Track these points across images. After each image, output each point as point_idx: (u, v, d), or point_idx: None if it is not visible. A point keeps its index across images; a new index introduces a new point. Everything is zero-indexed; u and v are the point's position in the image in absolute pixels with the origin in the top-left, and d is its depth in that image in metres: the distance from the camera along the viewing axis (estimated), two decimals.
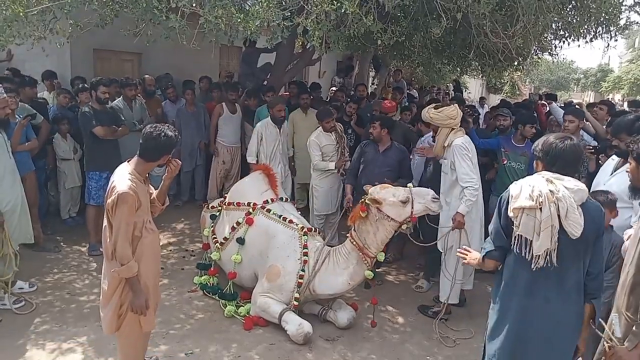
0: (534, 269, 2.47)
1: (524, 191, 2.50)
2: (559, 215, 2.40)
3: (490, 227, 2.76)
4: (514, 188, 2.57)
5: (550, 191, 2.43)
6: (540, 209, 2.42)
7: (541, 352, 2.59)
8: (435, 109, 4.51)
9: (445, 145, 4.47)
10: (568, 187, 2.45)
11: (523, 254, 2.50)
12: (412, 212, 4.05)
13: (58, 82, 7.27)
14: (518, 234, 2.49)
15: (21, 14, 4.35)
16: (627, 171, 2.85)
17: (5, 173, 4.47)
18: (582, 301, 2.58)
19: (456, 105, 4.61)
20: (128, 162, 3.11)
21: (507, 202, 2.58)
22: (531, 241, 2.46)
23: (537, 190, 2.45)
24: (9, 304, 4.34)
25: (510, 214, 2.52)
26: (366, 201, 4.11)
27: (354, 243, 4.20)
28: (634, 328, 2.38)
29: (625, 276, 2.49)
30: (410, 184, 4.27)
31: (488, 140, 5.81)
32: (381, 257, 4.33)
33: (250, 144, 6.18)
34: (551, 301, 2.54)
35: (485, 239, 4.51)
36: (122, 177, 2.98)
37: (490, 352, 2.75)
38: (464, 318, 4.75)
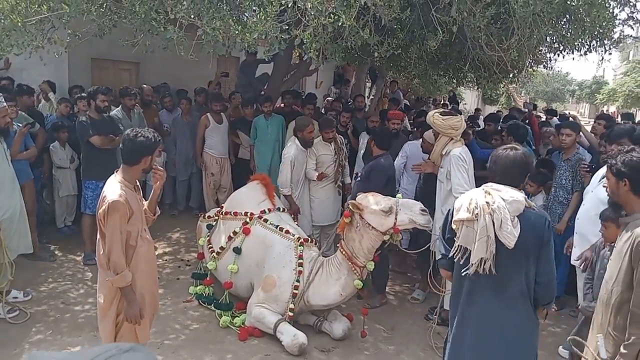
0: (471, 276, 2.55)
1: (463, 204, 2.58)
2: (495, 226, 2.47)
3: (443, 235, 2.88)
4: (457, 201, 2.67)
5: (487, 203, 2.50)
6: (477, 219, 2.50)
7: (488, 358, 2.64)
8: (441, 115, 4.52)
9: (443, 153, 4.48)
10: (504, 198, 2.51)
11: (461, 263, 2.59)
12: (395, 223, 3.99)
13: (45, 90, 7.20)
14: (458, 245, 2.59)
15: (20, 23, 4.36)
16: (604, 186, 2.86)
17: (4, 181, 4.48)
18: (531, 308, 2.60)
19: (462, 117, 4.62)
20: (116, 172, 3.13)
21: (452, 215, 2.66)
22: (471, 251, 2.54)
23: (474, 202, 2.54)
24: (3, 313, 4.33)
25: (453, 226, 2.62)
26: (349, 207, 4.10)
27: (344, 252, 4.20)
28: (622, 349, 2.38)
29: (607, 294, 2.48)
30: (399, 195, 4.26)
31: (488, 151, 5.86)
32: (370, 266, 4.23)
33: (282, 173, 5.45)
34: (491, 308, 2.58)
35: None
36: (112, 187, 3.00)
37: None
38: None
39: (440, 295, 4.42)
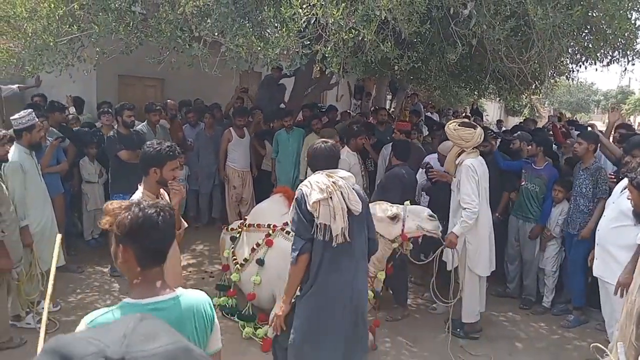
0: (335, 246, 2.99)
1: (314, 188, 3.03)
2: (345, 200, 2.99)
3: (294, 227, 3.15)
4: (304, 188, 3.08)
5: (333, 182, 3.03)
6: (331, 197, 2.98)
7: (350, 317, 3.12)
8: (460, 125, 4.55)
9: (457, 163, 4.51)
10: (342, 176, 3.11)
11: (324, 238, 3.00)
12: (402, 230, 3.97)
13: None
14: (319, 222, 2.98)
15: (51, 43, 4.54)
16: (628, 198, 2.91)
17: (36, 195, 4.61)
18: (366, 266, 3.26)
19: (478, 130, 4.57)
20: (139, 184, 3.21)
21: (304, 201, 3.04)
22: (329, 225, 2.98)
23: (322, 184, 3.02)
24: (33, 323, 4.44)
25: (310, 208, 3.00)
26: None
27: None
28: None
29: (631, 304, 2.49)
30: (407, 202, 4.22)
31: (512, 163, 5.87)
32: (381, 276, 4.19)
33: None
34: (350, 272, 3.09)
35: (491, 259, 4.55)
36: (135, 198, 3.08)
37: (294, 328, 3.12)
38: (482, 342, 4.73)
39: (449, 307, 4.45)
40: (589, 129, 6.31)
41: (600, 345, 2.60)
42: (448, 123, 4.68)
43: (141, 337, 0.77)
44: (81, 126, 6.94)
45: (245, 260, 4.80)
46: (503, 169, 5.67)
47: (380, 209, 4.05)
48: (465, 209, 4.36)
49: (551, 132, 8.63)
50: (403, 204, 4.13)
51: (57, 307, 4.86)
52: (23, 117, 4.61)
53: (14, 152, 4.41)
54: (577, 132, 6.74)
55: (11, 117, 4.75)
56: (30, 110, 4.83)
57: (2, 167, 4.24)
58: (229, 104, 8.74)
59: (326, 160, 3.20)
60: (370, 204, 4.16)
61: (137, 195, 3.12)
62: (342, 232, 2.99)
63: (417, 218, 4.02)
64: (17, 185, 4.37)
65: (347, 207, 3.01)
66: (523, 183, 5.54)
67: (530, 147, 5.61)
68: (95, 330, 0.82)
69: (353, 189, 3.09)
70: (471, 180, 4.38)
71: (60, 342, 0.76)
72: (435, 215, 4.10)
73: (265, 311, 4.68)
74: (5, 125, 5.88)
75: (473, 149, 4.55)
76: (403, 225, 3.98)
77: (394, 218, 3.98)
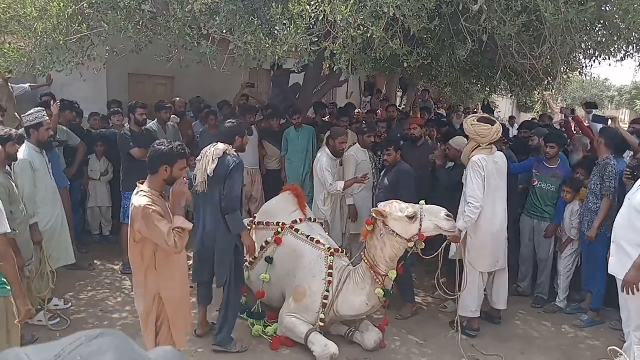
0: (199, 193, 4.11)
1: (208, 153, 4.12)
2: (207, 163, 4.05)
3: None
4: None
5: (209, 150, 4.09)
6: (200, 160, 4.14)
7: (214, 262, 4.19)
8: (478, 120, 4.51)
9: (469, 158, 4.50)
10: (216, 147, 4.10)
11: (198, 191, 4.12)
12: (420, 230, 3.95)
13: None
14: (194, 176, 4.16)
15: (61, 42, 4.57)
16: None
17: (47, 193, 4.65)
18: (222, 216, 4.06)
19: (495, 126, 4.51)
20: (139, 183, 3.20)
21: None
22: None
23: (205, 151, 4.17)
24: (45, 321, 4.48)
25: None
26: (372, 214, 4.10)
27: (367, 261, 4.19)
28: None
29: None
30: (422, 202, 4.19)
31: (521, 164, 5.75)
32: (393, 275, 4.15)
33: (327, 180, 5.50)
34: (208, 213, 4.14)
35: (497, 256, 4.53)
36: (137, 196, 3.09)
37: None
38: (493, 342, 4.68)
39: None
40: (610, 122, 6.13)
41: (617, 348, 2.57)
42: (466, 118, 4.65)
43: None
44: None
45: (255, 258, 4.80)
46: (512, 173, 5.53)
47: (397, 208, 4.02)
48: (468, 203, 4.38)
49: (563, 129, 8.47)
50: (418, 203, 4.13)
51: (67, 305, 4.89)
52: (32, 115, 4.65)
53: (24, 150, 4.45)
54: (599, 127, 6.42)
55: (22, 115, 4.79)
56: (41, 108, 4.86)
57: (12, 165, 4.27)
58: (235, 99, 8.67)
59: (225, 135, 4.27)
60: (384, 202, 4.16)
61: (138, 194, 3.10)
62: (200, 184, 4.09)
63: (435, 218, 3.99)
64: (27, 183, 4.40)
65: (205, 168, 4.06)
66: (535, 183, 5.45)
67: (552, 148, 5.39)
68: (40, 345, 0.75)
69: (220, 158, 4.04)
70: (477, 176, 4.37)
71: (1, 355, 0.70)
72: (452, 215, 4.08)
73: (275, 309, 4.68)
74: (18, 124, 5.93)
75: (489, 145, 4.50)
76: (420, 225, 3.95)
77: (412, 217, 3.96)
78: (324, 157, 5.55)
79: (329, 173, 5.46)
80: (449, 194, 5.13)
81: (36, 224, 4.41)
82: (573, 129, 7.40)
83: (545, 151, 5.40)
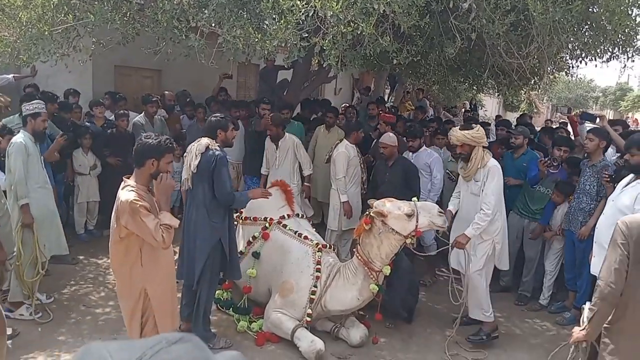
0: (185, 190, 4.19)
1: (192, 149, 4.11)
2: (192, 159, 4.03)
3: None
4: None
5: (193, 146, 4.09)
6: (186, 157, 4.15)
7: (193, 252, 4.05)
8: (462, 129, 4.43)
9: (479, 167, 4.37)
10: (200, 142, 4.07)
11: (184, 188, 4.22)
12: (417, 226, 4.04)
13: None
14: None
15: (46, 32, 4.49)
16: None
17: (38, 181, 4.67)
18: (207, 213, 4.03)
19: (478, 125, 4.53)
20: (125, 178, 3.17)
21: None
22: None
23: (190, 147, 4.15)
24: (27, 314, 4.42)
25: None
26: (371, 214, 4.11)
27: (360, 258, 4.21)
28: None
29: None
30: (414, 198, 4.27)
31: (535, 176, 5.51)
32: (387, 270, 4.19)
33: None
34: (193, 207, 4.09)
35: (498, 258, 4.53)
36: (123, 191, 3.05)
37: None
38: None
39: (458, 304, 4.44)
40: (598, 120, 6.17)
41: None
42: (451, 132, 4.58)
43: None
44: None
45: (241, 253, 4.78)
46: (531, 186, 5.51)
47: (395, 206, 4.08)
48: (482, 210, 4.26)
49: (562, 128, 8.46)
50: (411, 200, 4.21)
51: (50, 299, 4.83)
52: (32, 104, 4.68)
53: (20, 135, 4.54)
54: (587, 128, 6.44)
55: (23, 105, 4.79)
56: (41, 101, 4.88)
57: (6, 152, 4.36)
58: (213, 91, 8.53)
59: (207, 130, 4.23)
60: (378, 202, 4.17)
61: (124, 189, 3.06)
62: (186, 181, 4.11)
63: (428, 214, 4.08)
64: (19, 165, 4.43)
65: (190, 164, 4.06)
66: (537, 187, 5.47)
67: (564, 153, 5.43)
68: (122, 343, 0.79)
69: (202, 153, 4.01)
70: (500, 179, 4.34)
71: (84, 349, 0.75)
72: (443, 211, 4.21)
73: (261, 305, 4.67)
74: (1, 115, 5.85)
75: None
76: (417, 221, 4.03)
77: (410, 215, 4.04)
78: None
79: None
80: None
81: (27, 205, 4.42)
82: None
83: (559, 155, 5.42)
